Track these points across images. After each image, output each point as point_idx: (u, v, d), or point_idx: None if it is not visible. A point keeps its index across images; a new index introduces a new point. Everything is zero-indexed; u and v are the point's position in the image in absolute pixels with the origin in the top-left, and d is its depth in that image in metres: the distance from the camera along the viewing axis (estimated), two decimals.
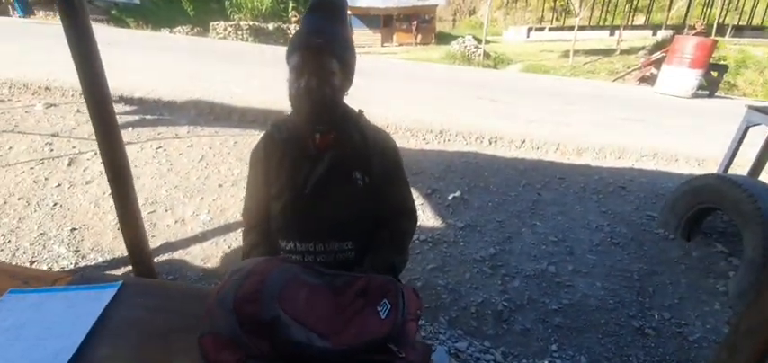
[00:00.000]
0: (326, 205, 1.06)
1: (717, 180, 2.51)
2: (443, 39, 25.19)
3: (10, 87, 4.41)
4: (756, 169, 3.10)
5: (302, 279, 0.79)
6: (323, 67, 0.96)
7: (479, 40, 17.11)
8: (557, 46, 20.22)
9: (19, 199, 2.66)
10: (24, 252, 2.28)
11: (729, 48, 15.42)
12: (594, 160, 4.27)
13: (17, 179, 2.84)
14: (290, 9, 20.26)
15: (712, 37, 10.22)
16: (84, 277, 0.92)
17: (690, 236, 2.77)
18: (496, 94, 6.93)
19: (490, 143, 4.38)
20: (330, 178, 1.05)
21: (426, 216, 2.94)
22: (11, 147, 3.19)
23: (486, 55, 16.39)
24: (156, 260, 2.30)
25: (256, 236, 1.16)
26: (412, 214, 1.23)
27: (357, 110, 1.14)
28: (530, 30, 27.29)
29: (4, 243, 2.33)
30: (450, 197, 3.15)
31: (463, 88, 7.36)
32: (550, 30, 27.14)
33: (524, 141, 4.42)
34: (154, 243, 2.44)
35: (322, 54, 0.96)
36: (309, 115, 1.00)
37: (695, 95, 8.52)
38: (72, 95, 4.39)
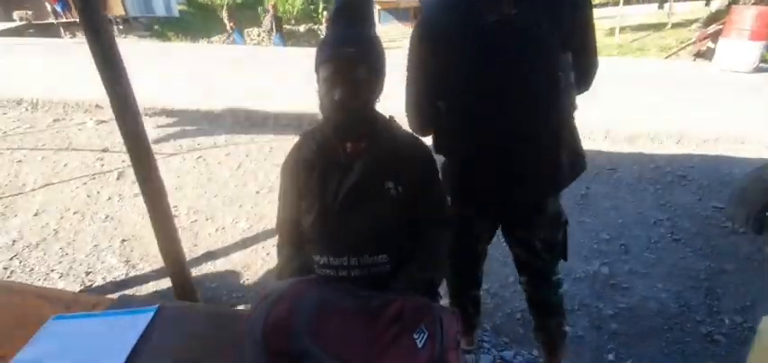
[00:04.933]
0: (358, 216, 1.00)
1: None
2: None
3: (64, 107, 4.73)
4: None
5: (335, 305, 0.74)
6: (355, 78, 0.91)
7: None
8: (601, 24, 18.85)
9: (74, 213, 2.84)
10: (80, 264, 2.42)
11: None
12: (649, 147, 3.94)
13: (72, 194, 3.03)
14: (320, 9, 20.46)
15: None
16: (122, 301, 0.92)
17: (761, 229, 2.48)
18: None
19: None
20: (361, 188, 0.99)
21: None
22: (66, 164, 3.41)
23: None
24: (198, 269, 2.37)
25: (291, 250, 1.12)
26: (447, 224, 1.15)
27: (387, 116, 1.08)
28: None
29: (63, 255, 2.49)
30: None
31: None
32: (593, 7, 25.69)
33: None
34: (196, 252, 2.51)
35: (353, 64, 0.91)
36: (343, 126, 0.97)
37: (757, 69, 7.70)
38: None
